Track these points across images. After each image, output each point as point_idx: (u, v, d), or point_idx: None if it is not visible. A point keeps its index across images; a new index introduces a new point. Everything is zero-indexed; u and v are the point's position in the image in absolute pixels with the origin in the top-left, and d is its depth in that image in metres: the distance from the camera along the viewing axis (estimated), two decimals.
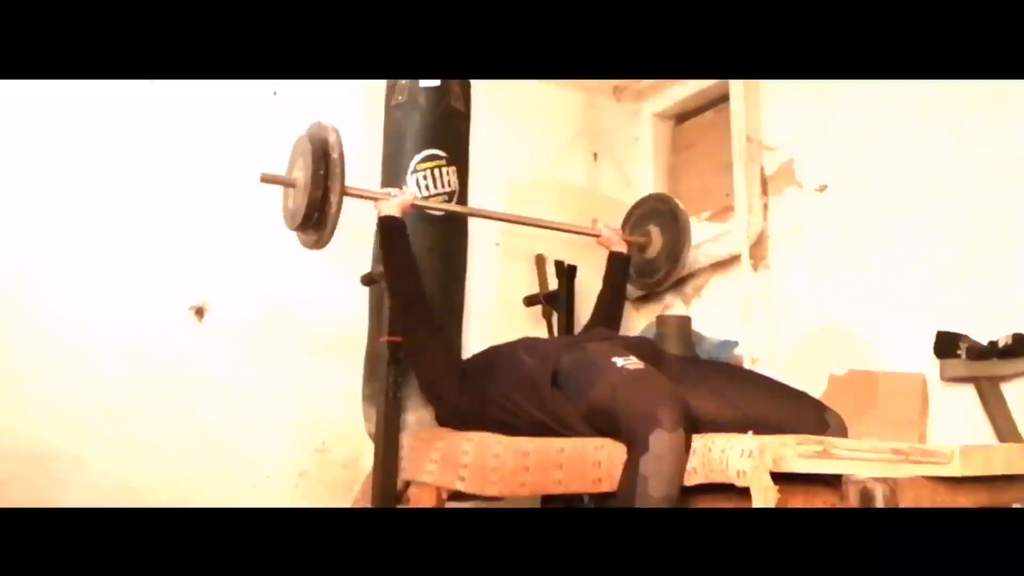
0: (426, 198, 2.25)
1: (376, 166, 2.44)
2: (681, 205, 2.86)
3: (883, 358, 2.45)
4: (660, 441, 1.41)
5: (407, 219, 2.16)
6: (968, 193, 2.32)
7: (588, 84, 3.35)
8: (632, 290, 3.32)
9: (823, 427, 1.65)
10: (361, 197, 2.16)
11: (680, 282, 3.16)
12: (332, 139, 2.04)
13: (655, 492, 1.39)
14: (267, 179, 2.10)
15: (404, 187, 2.19)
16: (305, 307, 2.61)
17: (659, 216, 2.89)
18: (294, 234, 2.49)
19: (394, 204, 2.10)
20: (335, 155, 2.03)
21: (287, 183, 2.15)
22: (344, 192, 2.04)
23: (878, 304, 2.50)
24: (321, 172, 2.01)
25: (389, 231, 2.08)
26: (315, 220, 2.06)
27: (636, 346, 1.83)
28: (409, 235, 2.22)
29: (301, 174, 2.07)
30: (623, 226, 2.96)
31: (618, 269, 2.57)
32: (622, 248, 2.61)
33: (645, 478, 1.40)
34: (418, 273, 2.07)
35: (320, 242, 2.11)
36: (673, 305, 3.18)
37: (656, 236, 2.87)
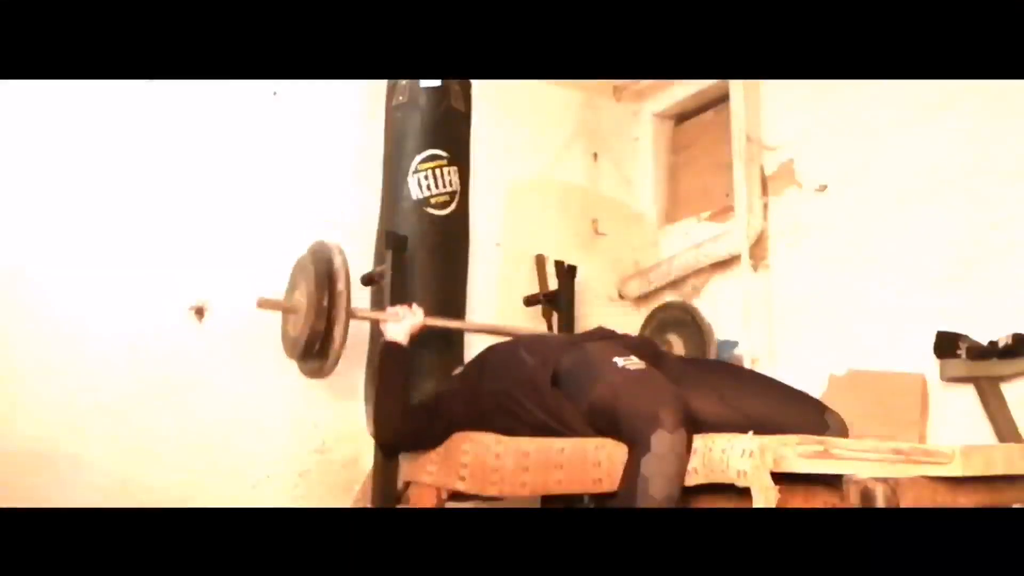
0: (427, 198, 2.25)
1: (376, 166, 2.45)
2: (706, 319, 2.77)
3: (883, 358, 2.45)
4: (662, 441, 1.41)
5: (408, 219, 2.16)
6: (968, 193, 2.33)
7: (588, 84, 3.35)
8: (632, 291, 3.33)
9: (824, 428, 1.65)
10: (368, 319, 2.08)
11: (680, 282, 3.17)
12: (337, 264, 1.95)
13: (657, 493, 1.39)
14: (265, 305, 2.01)
15: (413, 305, 2.10)
16: None
17: (681, 327, 2.83)
18: (294, 234, 2.50)
19: (402, 330, 2.04)
20: (341, 285, 1.93)
21: (287, 309, 2.07)
22: (349, 320, 1.95)
23: (878, 304, 2.51)
24: (325, 303, 1.92)
25: (391, 357, 2.03)
26: (317, 351, 2.00)
27: (637, 346, 1.83)
28: (410, 235, 2.22)
29: (303, 300, 1.98)
30: (642, 331, 2.89)
31: None
32: None
33: (647, 478, 1.40)
34: (407, 398, 2.02)
35: (322, 372, 2.03)
36: None
37: (676, 346, 2.81)
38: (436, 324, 2.13)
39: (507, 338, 2.17)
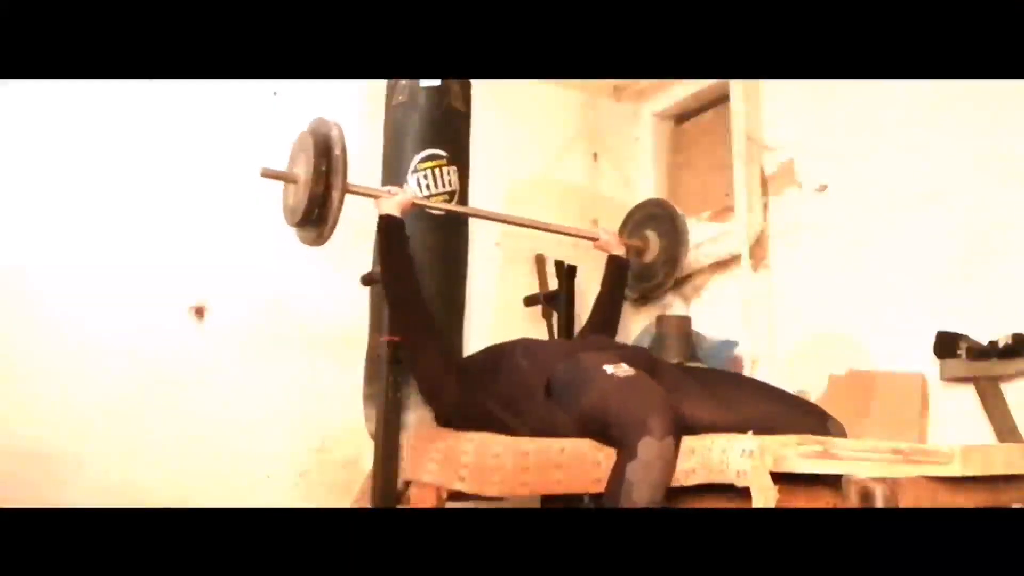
0: (427, 197, 2.25)
1: (377, 166, 2.44)
2: (679, 210, 2.88)
3: (883, 358, 2.45)
4: (649, 448, 1.41)
5: (408, 219, 2.16)
6: (968, 193, 2.32)
7: (588, 84, 3.35)
8: (630, 293, 3.32)
9: (824, 434, 1.65)
10: (362, 194, 2.15)
11: (680, 282, 3.16)
12: (335, 135, 2.04)
13: (639, 498, 1.39)
14: (268, 174, 2.09)
15: (405, 186, 2.18)
16: (305, 307, 2.61)
17: (657, 221, 2.90)
18: (294, 233, 2.49)
19: (394, 203, 2.10)
20: (337, 151, 2.02)
21: (288, 178, 2.14)
22: (346, 189, 2.03)
23: (878, 304, 2.50)
24: (323, 168, 2.01)
25: (388, 230, 2.08)
26: (315, 216, 2.06)
27: (630, 356, 1.83)
28: (410, 236, 2.22)
29: (302, 170, 2.07)
30: (621, 230, 2.96)
31: (616, 273, 2.57)
32: (620, 252, 2.61)
33: (631, 484, 1.40)
34: (414, 274, 2.07)
35: (320, 238, 2.10)
36: (673, 305, 3.18)
37: (654, 241, 2.89)
38: (423, 203, 2.20)
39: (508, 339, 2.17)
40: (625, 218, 3.03)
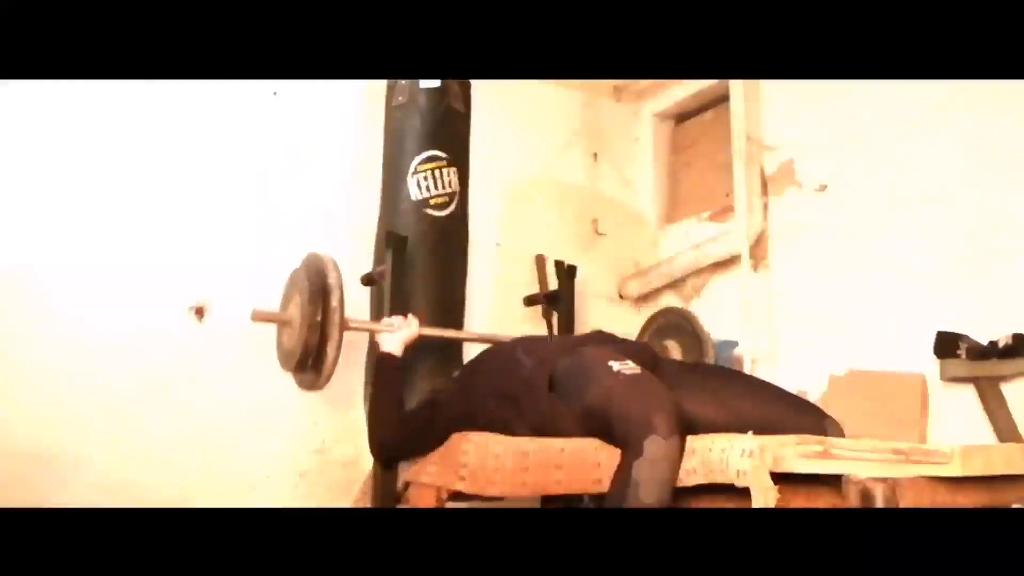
0: (427, 199, 2.25)
1: (376, 166, 2.45)
2: (705, 328, 2.72)
3: (883, 358, 2.45)
4: (655, 447, 1.40)
5: (408, 220, 2.16)
6: (968, 193, 2.33)
7: (588, 84, 3.35)
8: (632, 291, 3.33)
9: (821, 434, 1.65)
10: (363, 330, 2.08)
11: (680, 282, 3.17)
12: (332, 280, 1.94)
13: (647, 498, 1.39)
14: (260, 317, 2.01)
15: (409, 316, 2.10)
16: None
17: (679, 333, 2.79)
18: (294, 234, 2.50)
19: (396, 340, 2.03)
20: (334, 302, 1.92)
21: (281, 321, 2.07)
22: (344, 330, 1.95)
23: (878, 304, 2.51)
24: (318, 319, 1.92)
25: (384, 370, 2.02)
26: (311, 364, 2.00)
27: (634, 351, 1.83)
28: (409, 236, 2.22)
29: (296, 313, 1.98)
30: (640, 336, 2.88)
31: None
32: None
33: (637, 483, 1.39)
34: (400, 411, 2.02)
35: (317, 385, 2.03)
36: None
37: (675, 353, 2.78)
38: (431, 334, 2.12)
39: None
40: (646, 322, 2.92)
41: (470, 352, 2.28)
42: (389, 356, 2.02)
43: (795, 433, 1.47)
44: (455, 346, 2.38)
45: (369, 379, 2.25)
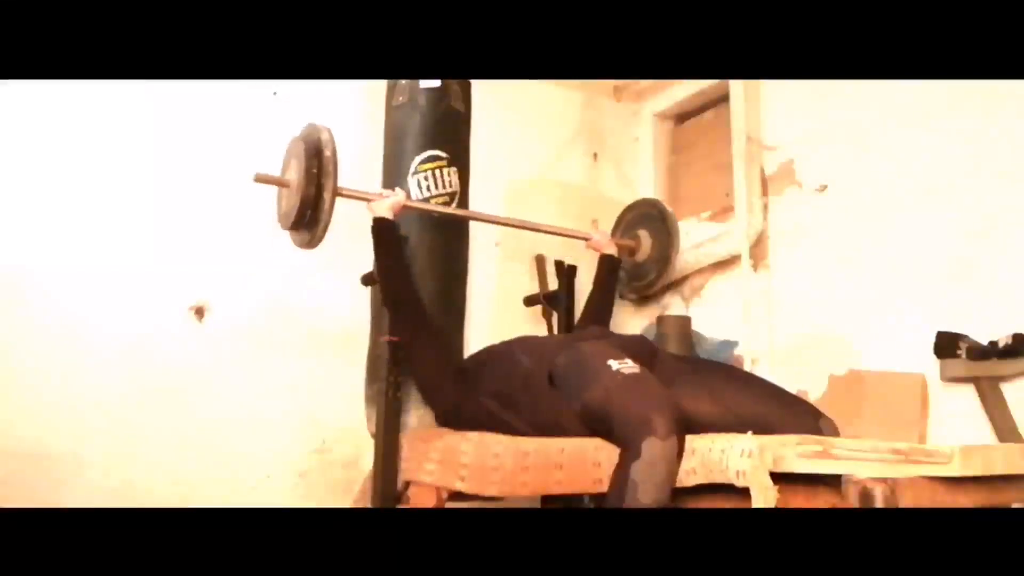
0: (427, 199, 2.25)
1: (376, 166, 2.44)
2: (670, 210, 2.89)
3: (883, 358, 2.45)
4: (653, 448, 1.41)
5: (408, 220, 2.16)
6: (968, 193, 2.32)
7: (588, 84, 3.35)
8: (627, 293, 3.32)
9: (817, 433, 1.65)
10: (353, 197, 2.16)
11: (680, 282, 3.16)
12: (324, 137, 2.05)
13: (644, 498, 1.39)
14: (261, 179, 2.11)
15: (397, 188, 2.19)
16: (305, 307, 2.61)
17: (649, 220, 2.92)
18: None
19: (385, 205, 2.11)
20: (328, 153, 2.03)
21: (281, 183, 2.15)
22: (336, 191, 2.05)
23: (878, 304, 2.50)
24: (314, 170, 2.02)
25: (380, 232, 2.10)
26: (308, 219, 2.07)
27: (632, 346, 1.83)
28: (409, 236, 2.22)
29: (294, 174, 2.08)
30: (614, 230, 2.98)
31: (608, 272, 2.59)
32: (612, 251, 2.63)
33: (635, 483, 1.39)
34: (409, 274, 2.09)
35: (313, 241, 2.11)
36: (672, 305, 3.18)
37: (645, 240, 2.90)
38: (414, 205, 2.20)
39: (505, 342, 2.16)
40: (618, 218, 3.05)
41: (470, 350, 2.28)
42: (383, 219, 2.10)
43: (790, 431, 1.48)
44: (455, 345, 2.37)
45: (370, 379, 2.25)
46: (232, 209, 2.52)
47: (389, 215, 2.11)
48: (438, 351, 2.05)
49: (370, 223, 2.12)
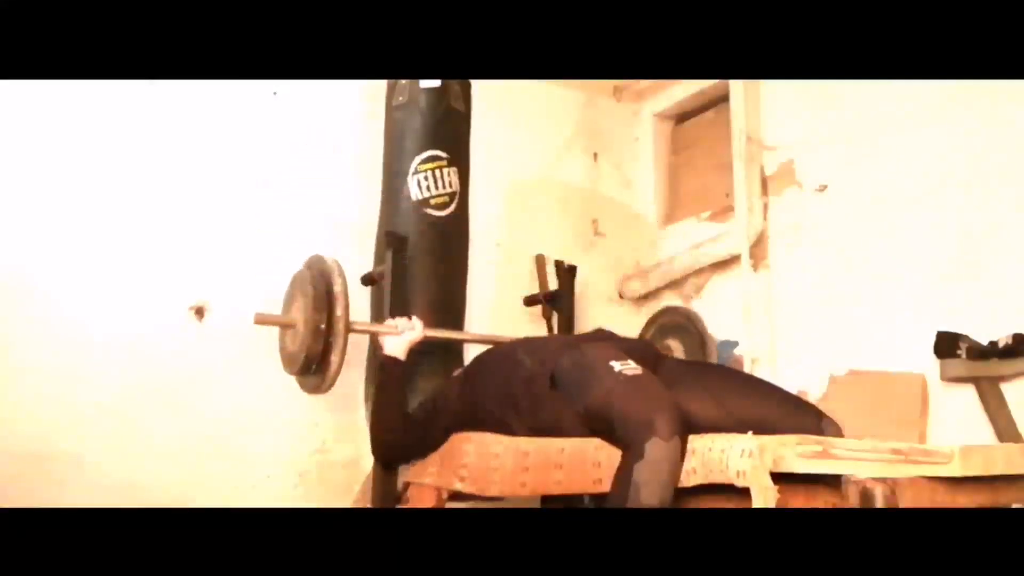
0: (427, 198, 2.25)
1: (377, 166, 2.45)
2: (706, 325, 2.76)
3: (883, 358, 2.45)
4: (656, 449, 1.41)
5: (408, 220, 2.16)
6: (968, 193, 2.33)
7: (588, 84, 3.35)
8: (632, 291, 3.33)
9: (818, 433, 1.65)
10: (367, 332, 2.08)
11: (680, 282, 3.17)
12: (337, 288, 1.92)
13: (648, 499, 1.39)
14: (262, 320, 2.00)
15: (414, 318, 2.10)
16: None
17: (682, 333, 2.82)
18: (294, 234, 2.50)
19: (401, 344, 2.04)
20: (339, 311, 1.91)
21: (285, 324, 2.06)
22: (348, 333, 1.94)
23: (878, 304, 2.51)
24: (322, 326, 1.91)
25: (388, 371, 2.03)
26: (314, 369, 2.00)
27: (635, 349, 1.83)
28: (410, 237, 2.22)
29: (300, 317, 1.96)
30: (642, 334, 2.90)
31: None
32: None
33: (639, 485, 1.39)
34: (403, 413, 2.03)
35: (321, 388, 2.03)
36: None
37: (676, 352, 2.80)
38: (435, 335, 2.12)
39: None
40: (649, 320, 2.96)
41: (471, 352, 2.28)
42: (393, 359, 2.02)
43: (793, 433, 1.47)
44: (456, 346, 2.38)
45: (370, 379, 2.25)
46: (232, 209, 2.52)
47: (402, 355, 2.03)
48: (420, 446, 2.03)
49: (380, 360, 2.05)
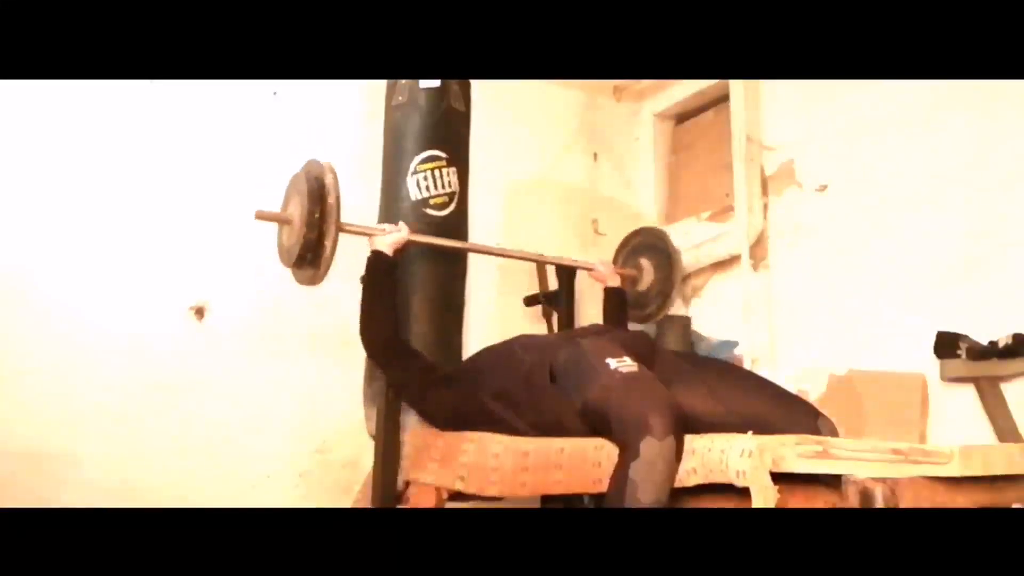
0: (426, 199, 2.25)
1: (376, 166, 2.45)
2: (673, 243, 2.86)
3: (883, 358, 2.45)
4: (651, 448, 1.41)
5: (407, 222, 2.16)
6: (968, 193, 2.33)
7: (588, 84, 3.35)
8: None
9: (815, 433, 1.65)
10: (357, 233, 2.14)
11: (680, 282, 3.17)
12: (329, 181, 2.03)
13: (644, 498, 1.39)
14: (262, 216, 2.09)
15: (400, 223, 2.17)
16: (305, 307, 2.61)
17: (652, 251, 2.89)
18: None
19: (387, 241, 2.10)
20: (331, 200, 2.01)
21: (282, 220, 2.13)
22: (340, 230, 2.03)
23: (878, 304, 2.51)
24: (316, 215, 2.00)
25: (375, 267, 2.08)
26: (310, 259, 2.05)
27: (632, 343, 1.83)
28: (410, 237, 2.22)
29: (296, 212, 2.06)
30: (616, 256, 2.96)
31: (615, 304, 2.57)
32: (615, 283, 2.61)
33: (635, 483, 1.40)
34: (393, 318, 2.07)
35: (315, 279, 2.09)
36: (673, 305, 3.18)
37: (647, 270, 2.87)
38: (419, 240, 2.18)
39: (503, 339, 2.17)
40: (620, 243, 3.02)
41: (470, 350, 2.28)
42: (381, 253, 2.09)
43: (788, 429, 1.47)
44: (454, 345, 2.37)
45: (370, 379, 2.25)
46: (232, 209, 2.52)
47: (389, 252, 2.09)
48: (421, 373, 2.06)
49: (368, 255, 2.10)
